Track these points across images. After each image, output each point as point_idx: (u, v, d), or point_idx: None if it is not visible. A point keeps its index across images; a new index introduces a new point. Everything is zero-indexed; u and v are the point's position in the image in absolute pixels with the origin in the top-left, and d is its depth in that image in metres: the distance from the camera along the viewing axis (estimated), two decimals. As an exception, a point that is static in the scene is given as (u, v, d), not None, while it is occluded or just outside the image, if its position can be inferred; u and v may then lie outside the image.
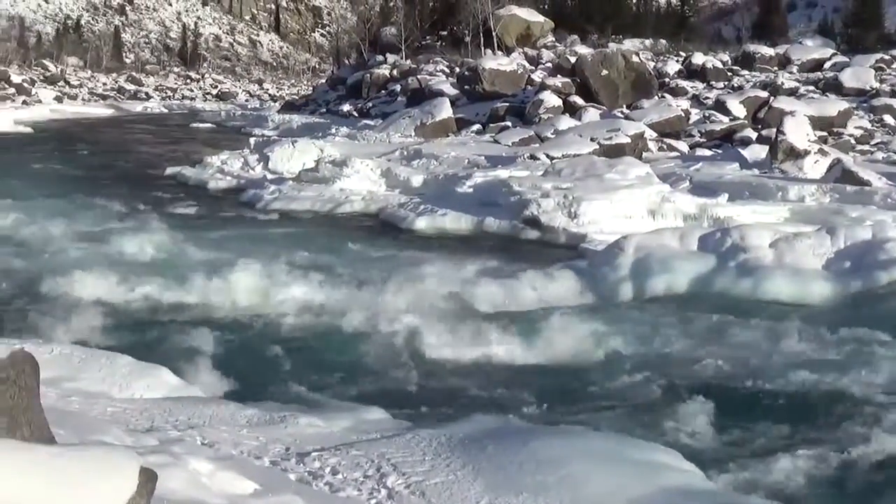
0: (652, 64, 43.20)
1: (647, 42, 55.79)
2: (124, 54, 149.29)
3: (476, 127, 36.72)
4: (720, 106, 34.76)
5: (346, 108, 52.04)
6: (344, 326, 11.35)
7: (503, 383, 9.37)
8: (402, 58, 57.56)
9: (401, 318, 11.34)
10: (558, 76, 39.13)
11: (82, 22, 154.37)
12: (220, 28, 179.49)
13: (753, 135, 30.43)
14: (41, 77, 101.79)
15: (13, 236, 17.10)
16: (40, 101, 76.72)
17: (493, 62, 41.90)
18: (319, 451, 6.13)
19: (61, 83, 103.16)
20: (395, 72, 53.31)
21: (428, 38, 63.01)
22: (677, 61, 45.64)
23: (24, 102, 73.09)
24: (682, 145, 30.93)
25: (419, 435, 6.55)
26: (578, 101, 36.12)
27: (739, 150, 27.99)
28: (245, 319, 11.71)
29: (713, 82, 41.39)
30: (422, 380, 9.52)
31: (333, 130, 40.44)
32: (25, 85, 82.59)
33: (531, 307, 12.32)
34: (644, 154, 28.29)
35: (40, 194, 22.68)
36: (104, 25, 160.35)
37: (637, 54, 40.93)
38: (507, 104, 37.89)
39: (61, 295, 12.48)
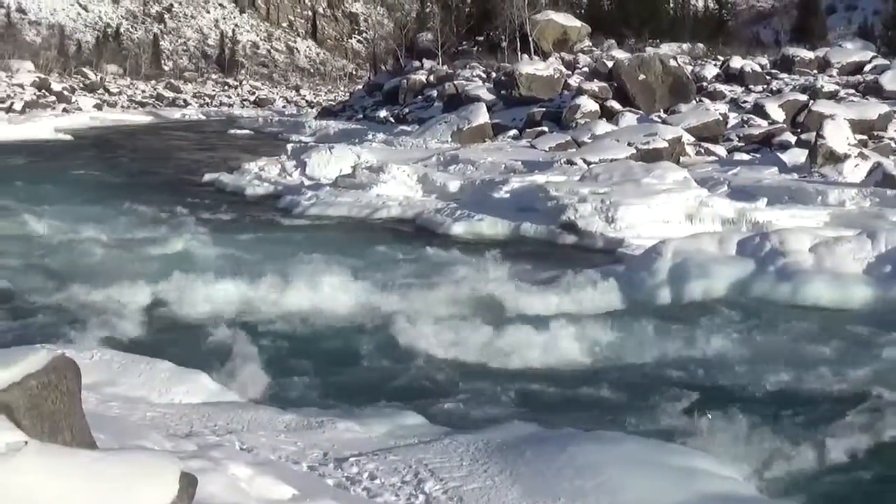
0: (689, 68, 42.93)
1: (685, 46, 55.59)
2: (163, 62, 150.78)
3: (513, 132, 36.66)
4: (759, 110, 34.46)
5: (382, 113, 52.19)
6: (378, 330, 11.38)
7: (538, 388, 9.35)
8: (438, 63, 57.66)
9: (436, 322, 11.36)
10: (595, 81, 38.97)
11: (121, 30, 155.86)
12: (257, 35, 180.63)
13: (792, 139, 30.15)
14: (81, 85, 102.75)
15: (52, 242, 17.29)
16: (80, 109, 77.44)
17: (530, 67, 41.85)
18: (357, 457, 6.15)
19: (101, 91, 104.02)
20: (431, 77, 53.38)
21: (464, 43, 63.11)
22: (715, 65, 45.37)
23: (65, 110, 73.81)
24: (721, 150, 30.68)
25: (456, 440, 6.55)
26: (615, 105, 35.96)
27: (778, 154, 27.78)
28: (281, 324, 11.75)
29: (752, 86, 41.04)
30: (458, 384, 9.50)
31: (370, 136, 40.50)
32: (65, 93, 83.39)
33: (568, 312, 12.27)
34: (682, 158, 28.11)
35: (79, 200, 22.92)
36: (143, 33, 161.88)
37: (674, 58, 40.70)
38: (544, 109, 37.79)
39: (99, 300, 12.59)
